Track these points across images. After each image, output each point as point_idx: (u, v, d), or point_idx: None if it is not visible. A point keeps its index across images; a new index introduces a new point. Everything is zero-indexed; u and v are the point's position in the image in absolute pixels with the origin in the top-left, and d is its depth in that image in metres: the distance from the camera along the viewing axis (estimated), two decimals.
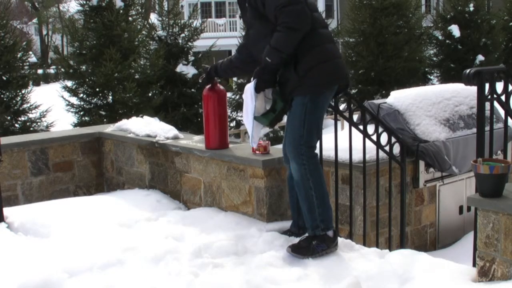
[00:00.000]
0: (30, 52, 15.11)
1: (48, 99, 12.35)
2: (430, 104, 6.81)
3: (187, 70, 13.26)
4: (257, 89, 3.33)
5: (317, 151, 3.44)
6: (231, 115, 14.67)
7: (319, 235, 3.31)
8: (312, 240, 3.31)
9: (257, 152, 3.85)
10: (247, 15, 3.46)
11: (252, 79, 3.36)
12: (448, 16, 16.74)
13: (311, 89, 3.27)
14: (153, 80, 11.83)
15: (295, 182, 3.36)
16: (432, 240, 6.76)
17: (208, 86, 3.99)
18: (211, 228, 3.75)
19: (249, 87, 3.37)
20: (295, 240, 3.49)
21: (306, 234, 3.40)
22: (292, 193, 3.57)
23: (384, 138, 4.55)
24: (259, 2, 3.29)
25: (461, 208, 6.98)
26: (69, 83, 11.70)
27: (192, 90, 13.32)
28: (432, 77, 17.19)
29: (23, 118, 11.18)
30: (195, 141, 4.46)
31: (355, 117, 5.01)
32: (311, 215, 3.33)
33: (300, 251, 3.29)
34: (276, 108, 3.37)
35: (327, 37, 3.35)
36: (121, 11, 11.59)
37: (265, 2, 3.25)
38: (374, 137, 4.40)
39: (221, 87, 4.05)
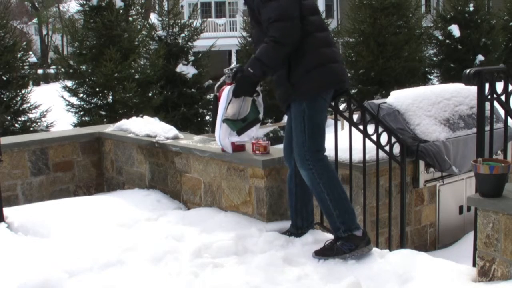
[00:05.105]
0: (30, 52, 15.12)
1: (48, 99, 12.33)
2: (430, 104, 6.81)
3: (187, 70, 13.24)
4: (235, 95, 3.33)
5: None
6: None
7: (342, 237, 3.28)
8: (336, 241, 3.29)
9: (257, 152, 3.85)
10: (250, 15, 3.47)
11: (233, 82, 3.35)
12: (448, 16, 16.74)
13: (305, 96, 3.25)
14: (153, 80, 11.83)
15: (309, 187, 3.35)
16: (432, 240, 6.76)
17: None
18: (211, 228, 3.75)
19: (228, 90, 3.37)
20: (295, 240, 3.49)
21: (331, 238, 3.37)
22: (291, 194, 3.57)
23: (384, 138, 4.54)
24: (256, 10, 3.30)
25: (461, 208, 6.98)
26: (69, 83, 11.69)
27: (192, 90, 13.31)
28: (432, 77, 17.19)
29: (23, 118, 11.17)
30: (195, 141, 4.46)
31: (355, 117, 5.00)
32: (330, 218, 3.32)
33: (324, 253, 3.26)
34: (247, 118, 3.36)
35: (324, 41, 3.29)
36: (121, 11, 11.59)
37: (260, 12, 3.25)
38: (374, 137, 4.39)
39: None
